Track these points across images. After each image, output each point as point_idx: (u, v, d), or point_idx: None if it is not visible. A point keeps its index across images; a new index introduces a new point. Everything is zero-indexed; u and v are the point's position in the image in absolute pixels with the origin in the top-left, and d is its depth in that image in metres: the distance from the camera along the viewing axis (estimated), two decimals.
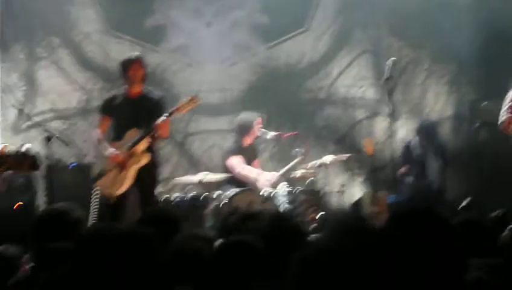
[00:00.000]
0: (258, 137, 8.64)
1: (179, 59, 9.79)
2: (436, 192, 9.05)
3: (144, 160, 7.10)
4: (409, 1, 9.81)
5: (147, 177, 7.14)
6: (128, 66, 7.17)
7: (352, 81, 10.04)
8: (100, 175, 7.18)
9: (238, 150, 8.53)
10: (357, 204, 8.86)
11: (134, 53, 7.45)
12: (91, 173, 7.31)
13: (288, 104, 9.84)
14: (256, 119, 8.56)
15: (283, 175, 8.63)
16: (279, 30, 9.88)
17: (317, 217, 8.15)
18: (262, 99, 9.78)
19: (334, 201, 9.07)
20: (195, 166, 9.67)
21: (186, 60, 9.82)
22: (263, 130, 8.69)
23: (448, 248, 2.32)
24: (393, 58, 7.89)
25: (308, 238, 3.30)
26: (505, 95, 9.26)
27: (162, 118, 6.96)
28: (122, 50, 9.58)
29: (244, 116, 8.65)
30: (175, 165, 9.70)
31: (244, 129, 8.55)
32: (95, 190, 7.23)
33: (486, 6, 9.74)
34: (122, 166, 7.08)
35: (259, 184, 8.37)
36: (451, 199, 9.21)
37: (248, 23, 9.92)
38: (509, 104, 7.18)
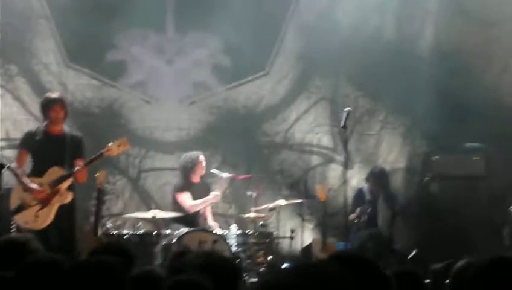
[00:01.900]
0: (203, 175, 8.72)
1: (138, 95, 9.78)
2: (386, 241, 9.12)
3: (69, 198, 7.31)
4: (368, 53, 9.99)
5: (67, 214, 7.32)
6: (50, 106, 7.40)
7: (309, 127, 10.13)
8: (19, 209, 7.23)
9: (187, 186, 8.59)
10: (307, 250, 8.89)
11: (55, 93, 7.73)
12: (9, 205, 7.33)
13: (244, 147, 9.87)
14: (199, 157, 8.65)
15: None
16: (239, 72, 9.96)
17: (266, 261, 8.15)
18: (219, 140, 9.81)
19: (285, 245, 9.08)
20: (147, 203, 9.62)
21: (144, 96, 9.81)
22: (216, 171, 8.74)
23: None
24: (348, 108, 8.01)
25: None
26: (457, 149, 9.49)
27: (78, 167, 7.22)
28: (80, 83, 9.58)
29: (188, 154, 8.74)
30: (127, 200, 9.63)
31: (188, 167, 8.63)
32: (13, 222, 7.31)
33: (443, 61, 9.98)
34: (45, 202, 7.21)
35: (213, 199, 8.47)
36: (400, 248, 9.31)
37: (209, 63, 9.97)
38: None
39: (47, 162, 7.32)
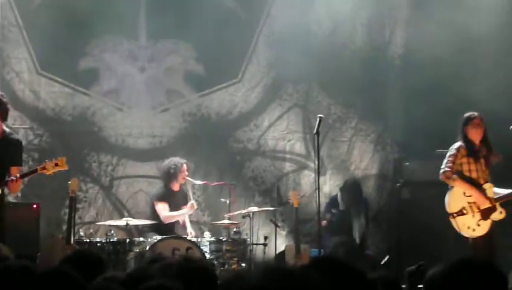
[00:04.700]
0: (183, 183, 8.71)
1: (110, 103, 9.76)
2: (358, 246, 9.19)
3: None
4: (339, 61, 10.08)
5: None
6: None
7: (282, 134, 10.19)
8: None
9: (166, 195, 8.57)
10: (280, 256, 8.92)
11: None
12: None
13: (217, 154, 9.89)
14: (183, 164, 8.65)
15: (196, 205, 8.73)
16: (212, 79, 9.99)
17: (239, 268, 8.17)
18: (192, 147, 9.82)
19: (258, 252, 9.10)
20: (119, 211, 9.60)
21: (117, 103, 9.79)
22: (189, 178, 8.75)
23: None
24: (320, 115, 8.08)
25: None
26: (428, 156, 9.61)
27: (12, 177, 6.78)
28: (52, 91, 9.54)
29: (171, 161, 8.72)
30: (99, 208, 9.59)
31: (171, 175, 8.61)
32: None
33: (413, 68, 10.09)
34: None
35: (190, 208, 8.49)
36: (372, 254, 9.38)
37: (182, 70, 9.98)
38: (450, 158, 7.44)
39: None
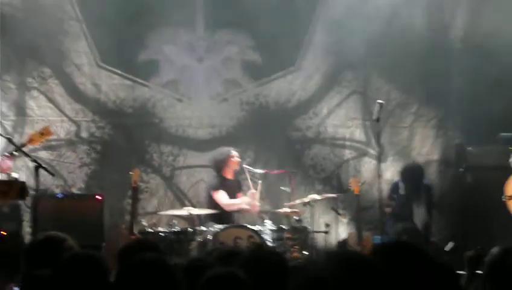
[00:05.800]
0: (237, 171, 8.73)
1: (170, 94, 9.84)
2: (421, 233, 9.08)
3: None
4: (399, 46, 9.93)
5: None
6: None
7: (341, 121, 10.12)
8: None
9: (221, 184, 8.61)
10: (342, 244, 8.88)
11: None
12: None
13: (277, 142, 9.89)
14: (230, 153, 8.66)
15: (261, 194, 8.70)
16: (270, 68, 9.97)
17: (301, 256, 8.16)
18: (251, 136, 9.85)
19: (319, 240, 9.08)
20: (181, 200, 9.68)
21: (176, 94, 9.87)
22: (249, 167, 8.76)
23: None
24: (380, 101, 7.99)
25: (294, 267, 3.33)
26: (491, 140, 9.43)
27: (6, 154, 6.92)
28: (113, 83, 9.67)
29: (219, 150, 8.77)
30: (161, 198, 9.70)
31: (220, 163, 8.65)
32: None
33: (474, 51, 9.89)
34: None
35: (251, 207, 8.53)
36: (436, 240, 9.26)
37: (240, 59, 10.00)
38: None
39: None
